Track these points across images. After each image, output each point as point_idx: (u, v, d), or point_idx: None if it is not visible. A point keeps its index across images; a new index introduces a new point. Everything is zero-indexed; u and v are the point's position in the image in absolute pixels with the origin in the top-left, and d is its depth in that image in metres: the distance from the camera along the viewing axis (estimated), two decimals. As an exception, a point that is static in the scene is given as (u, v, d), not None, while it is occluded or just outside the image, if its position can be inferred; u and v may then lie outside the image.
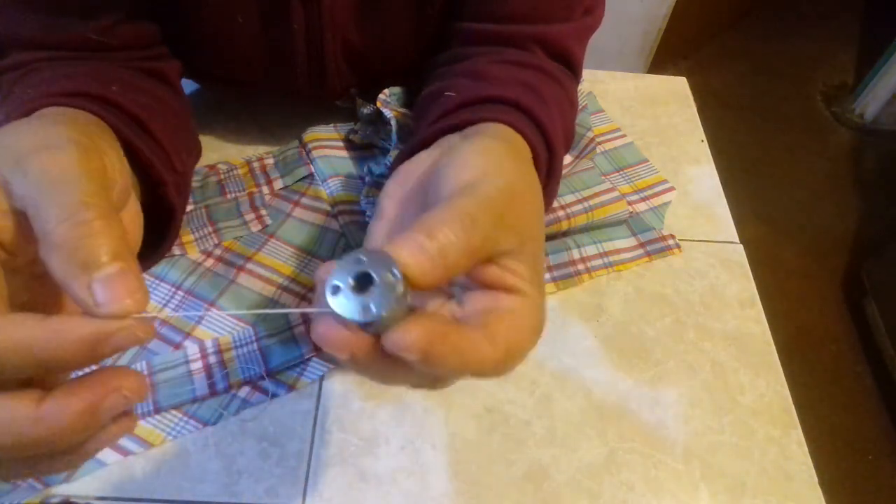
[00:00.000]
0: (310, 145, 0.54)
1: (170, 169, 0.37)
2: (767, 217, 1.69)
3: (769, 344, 0.48)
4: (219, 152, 0.54)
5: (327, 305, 0.20)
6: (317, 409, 0.42)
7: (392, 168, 0.32)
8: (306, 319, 0.44)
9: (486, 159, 0.26)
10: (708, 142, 0.62)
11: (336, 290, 0.20)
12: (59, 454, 0.21)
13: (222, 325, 0.44)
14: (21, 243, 0.22)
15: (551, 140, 0.35)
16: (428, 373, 0.22)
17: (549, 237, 0.51)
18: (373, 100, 0.51)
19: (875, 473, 1.27)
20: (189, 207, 0.49)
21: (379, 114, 0.51)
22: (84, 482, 0.38)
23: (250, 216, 0.49)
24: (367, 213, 0.49)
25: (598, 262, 0.51)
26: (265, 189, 0.52)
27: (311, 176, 0.53)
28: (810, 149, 1.89)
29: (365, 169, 0.51)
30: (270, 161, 0.54)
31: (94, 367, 0.20)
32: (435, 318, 0.21)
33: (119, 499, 0.37)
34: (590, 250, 0.51)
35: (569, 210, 0.50)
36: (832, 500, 0.41)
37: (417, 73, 0.49)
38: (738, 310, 0.50)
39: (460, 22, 0.44)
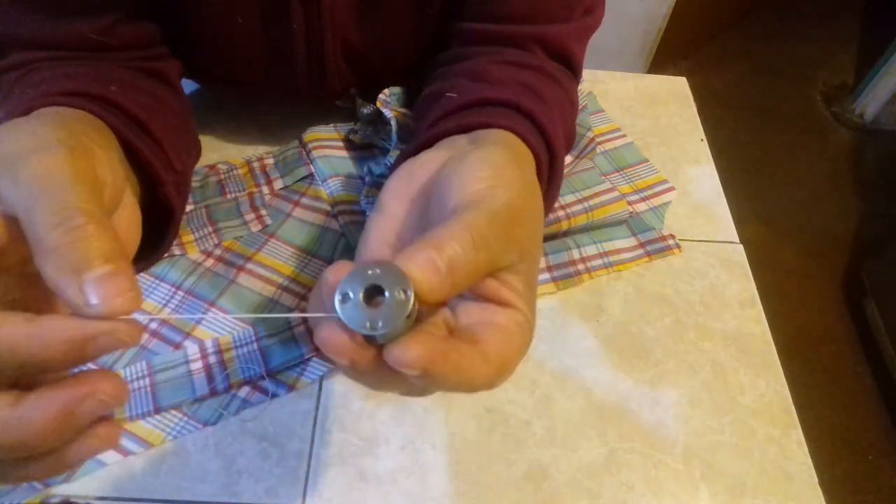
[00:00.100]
0: (310, 145, 0.54)
1: (169, 169, 0.37)
2: (767, 217, 1.69)
3: (769, 344, 0.48)
4: (219, 152, 0.54)
5: (335, 311, 0.20)
6: (317, 409, 0.42)
7: (393, 169, 0.32)
8: (306, 320, 0.44)
9: (493, 170, 0.26)
10: (708, 142, 0.62)
11: (345, 298, 0.20)
12: (36, 459, 0.20)
13: (222, 325, 0.44)
14: (11, 244, 0.22)
15: (552, 143, 0.35)
16: (422, 385, 0.22)
17: (549, 237, 0.51)
18: (373, 100, 0.51)
19: (875, 473, 1.27)
20: (189, 207, 0.49)
21: (379, 114, 0.51)
22: (84, 482, 0.38)
23: (250, 216, 0.49)
24: (367, 213, 0.49)
25: (598, 262, 0.51)
26: (265, 189, 0.52)
27: (311, 176, 0.53)
28: (810, 149, 1.89)
29: (365, 169, 0.51)
30: (270, 161, 0.54)
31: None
32: (435, 336, 0.21)
33: (119, 499, 0.37)
34: (590, 250, 0.51)
35: (569, 210, 0.50)
36: (832, 500, 0.41)
37: (417, 73, 0.49)
38: (738, 310, 0.50)
39: (460, 22, 0.44)
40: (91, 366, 0.21)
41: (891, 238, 1.56)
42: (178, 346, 0.43)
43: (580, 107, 0.57)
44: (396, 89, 0.52)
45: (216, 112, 0.57)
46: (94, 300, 0.19)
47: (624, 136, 0.61)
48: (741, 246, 0.54)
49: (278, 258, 0.48)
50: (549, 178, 0.36)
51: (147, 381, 0.41)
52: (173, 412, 0.40)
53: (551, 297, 0.49)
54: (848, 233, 1.67)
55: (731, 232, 0.55)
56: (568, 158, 0.55)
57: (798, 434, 0.44)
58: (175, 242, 0.47)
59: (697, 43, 2.09)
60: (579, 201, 0.51)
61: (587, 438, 0.42)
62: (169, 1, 0.42)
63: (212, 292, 0.45)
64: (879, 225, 1.69)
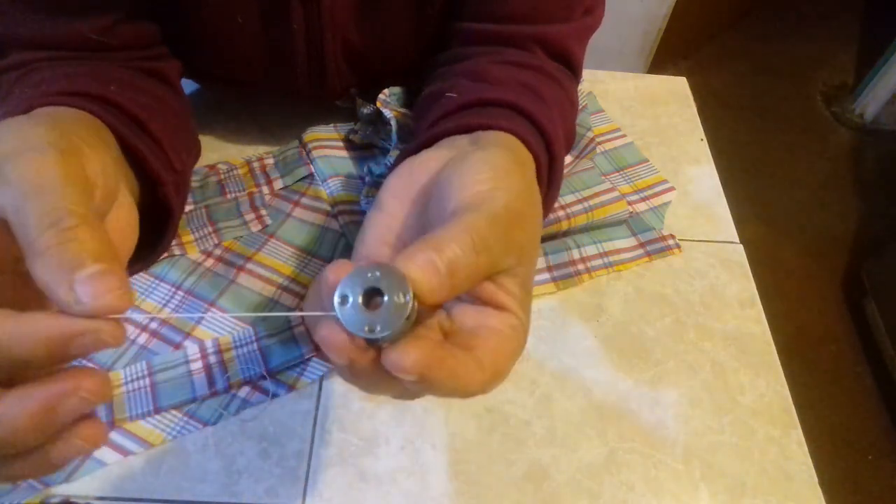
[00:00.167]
0: (310, 145, 0.54)
1: (169, 169, 0.37)
2: (767, 217, 1.69)
3: (769, 344, 0.48)
4: (219, 152, 0.54)
5: (333, 311, 0.20)
6: (317, 409, 0.42)
7: (393, 168, 0.32)
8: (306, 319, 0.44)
9: (494, 172, 0.26)
10: (708, 142, 0.62)
11: (344, 300, 0.20)
12: (21, 457, 0.20)
13: (222, 325, 0.44)
14: (3, 243, 0.22)
15: (552, 145, 0.35)
16: (416, 390, 0.22)
17: (549, 237, 0.51)
18: (373, 100, 0.51)
19: (875, 473, 1.27)
20: (189, 207, 0.49)
21: (379, 114, 0.51)
22: (84, 482, 0.38)
23: (250, 216, 0.49)
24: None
25: (598, 262, 0.51)
26: (265, 189, 0.52)
27: (311, 176, 0.53)
28: (810, 149, 1.89)
29: (365, 169, 0.51)
30: (270, 161, 0.54)
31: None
32: (432, 342, 0.21)
33: (119, 499, 0.37)
34: (590, 250, 0.51)
35: (569, 210, 0.50)
36: (832, 500, 0.41)
37: (417, 73, 0.49)
38: (738, 310, 0.50)
39: (460, 22, 0.44)
40: (89, 365, 0.21)
41: (891, 238, 1.56)
42: (178, 346, 0.43)
43: (580, 107, 0.57)
44: (396, 89, 0.52)
45: (216, 112, 0.57)
46: (84, 298, 0.19)
47: (624, 136, 0.61)
48: (741, 246, 0.54)
49: (278, 258, 0.48)
50: (549, 180, 0.36)
51: (147, 381, 0.41)
52: (173, 412, 0.40)
53: (551, 297, 0.49)
54: (848, 233, 1.67)
55: (731, 232, 0.55)
56: (568, 158, 0.55)
57: (798, 434, 0.44)
58: (175, 242, 0.47)
59: (697, 43, 2.09)
60: (579, 201, 0.51)
61: (587, 438, 0.42)
62: (169, 1, 0.42)
63: (212, 292, 0.45)
64: (879, 225, 1.69)
